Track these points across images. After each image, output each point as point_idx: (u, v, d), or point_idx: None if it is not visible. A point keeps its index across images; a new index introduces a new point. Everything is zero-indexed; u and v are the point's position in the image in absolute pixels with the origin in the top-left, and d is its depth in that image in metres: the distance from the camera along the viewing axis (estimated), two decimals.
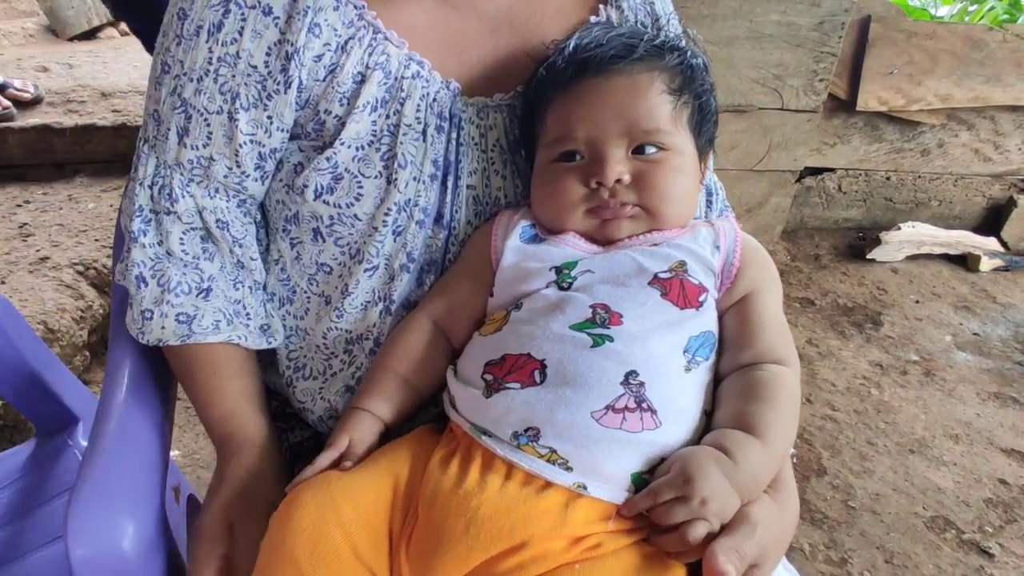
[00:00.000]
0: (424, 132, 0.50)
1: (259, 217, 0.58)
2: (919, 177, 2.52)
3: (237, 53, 0.49)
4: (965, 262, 2.43)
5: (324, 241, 0.52)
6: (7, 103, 2.19)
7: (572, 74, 0.49)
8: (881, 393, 1.73)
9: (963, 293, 2.27)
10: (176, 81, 0.51)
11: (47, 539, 0.71)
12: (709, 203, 0.66)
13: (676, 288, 0.45)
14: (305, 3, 0.47)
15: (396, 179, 0.49)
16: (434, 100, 0.51)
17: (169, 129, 0.52)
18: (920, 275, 2.36)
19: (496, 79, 0.55)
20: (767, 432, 0.41)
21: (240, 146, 0.51)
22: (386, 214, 0.50)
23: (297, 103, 0.50)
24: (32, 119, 2.18)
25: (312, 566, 0.37)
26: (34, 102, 2.29)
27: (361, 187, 0.50)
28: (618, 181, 0.47)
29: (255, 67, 0.49)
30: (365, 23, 0.49)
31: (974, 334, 2.03)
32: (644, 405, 0.40)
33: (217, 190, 0.53)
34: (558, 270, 0.47)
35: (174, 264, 0.53)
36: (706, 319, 0.46)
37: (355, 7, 0.49)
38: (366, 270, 0.51)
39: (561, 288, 0.46)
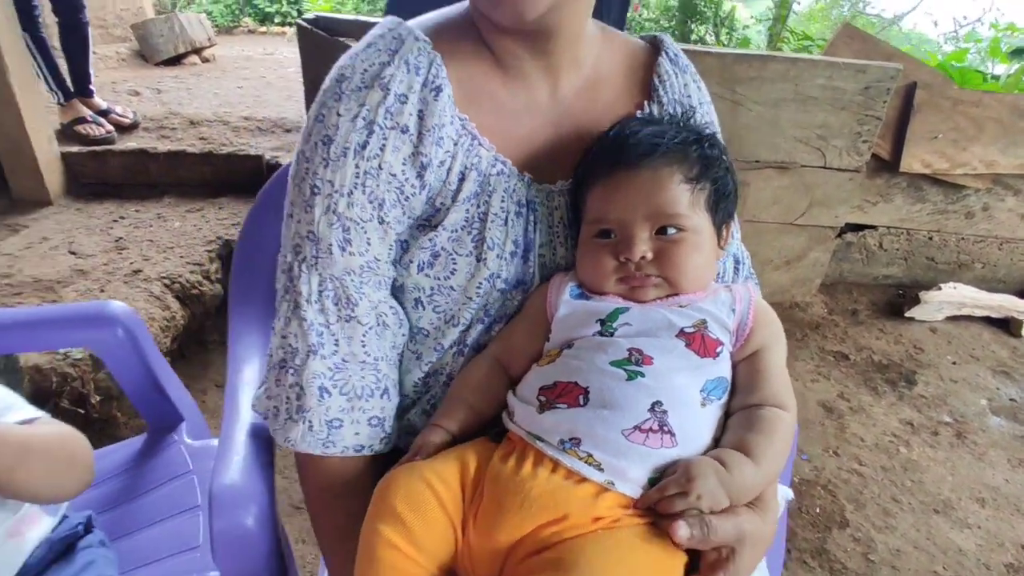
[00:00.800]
0: (506, 219, 0.62)
1: None
2: (963, 239, 2.55)
3: (379, 166, 0.57)
4: (1007, 326, 2.43)
5: (424, 308, 0.62)
6: (110, 127, 2.44)
7: (608, 165, 0.60)
8: (910, 451, 1.76)
9: (1003, 358, 2.26)
10: (329, 200, 0.57)
11: (156, 519, 0.84)
12: (736, 270, 0.76)
13: (698, 340, 0.56)
14: (432, 122, 0.58)
15: (485, 258, 0.60)
16: (513, 191, 0.63)
17: (331, 244, 0.58)
18: (959, 336, 2.36)
19: (559, 166, 0.66)
20: (760, 456, 0.51)
21: (387, 234, 0.60)
22: (477, 287, 0.60)
23: (426, 201, 0.61)
24: (131, 143, 2.43)
25: (408, 509, 0.48)
26: (132, 127, 2.55)
27: (455, 264, 0.61)
28: (643, 257, 0.58)
29: (394, 175, 0.58)
30: (467, 132, 0.61)
31: (1011, 400, 2.03)
32: (665, 428, 0.50)
33: (381, 283, 0.61)
34: (602, 321, 0.58)
35: (355, 369, 0.59)
36: (721, 367, 0.56)
37: (460, 120, 0.61)
38: (454, 327, 0.63)
39: (604, 335, 0.57)
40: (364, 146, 0.57)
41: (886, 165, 2.36)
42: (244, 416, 0.67)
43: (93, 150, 2.36)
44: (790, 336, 2.28)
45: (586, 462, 0.49)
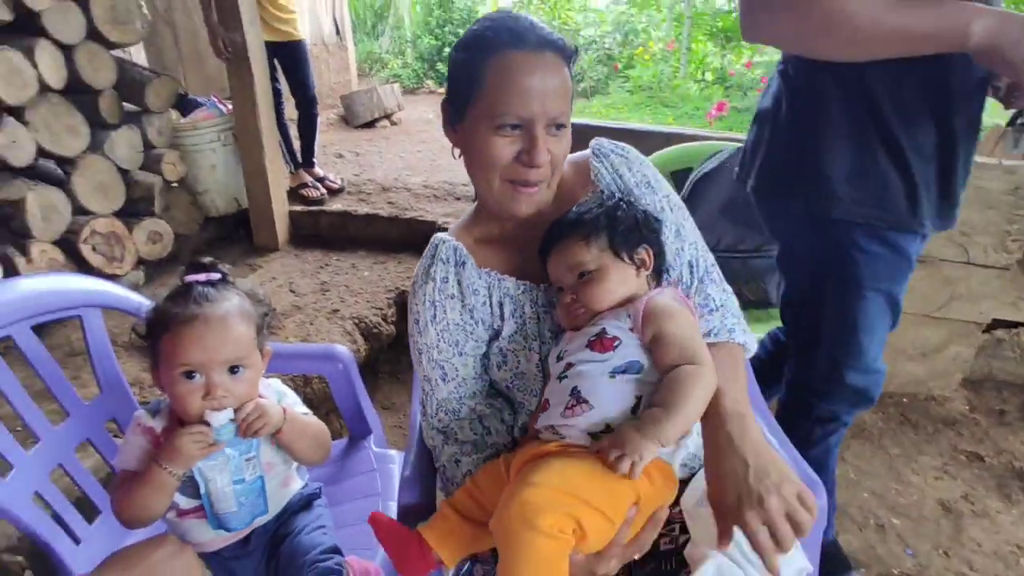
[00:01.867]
0: (538, 318, 0.92)
1: None
2: None
3: (447, 324, 0.91)
4: None
5: (512, 392, 0.95)
6: (324, 191, 3.10)
7: (547, 243, 0.88)
8: None
9: None
10: (428, 354, 0.92)
11: (351, 498, 1.21)
12: (692, 272, 0.95)
13: (597, 343, 0.81)
14: (466, 284, 0.91)
15: (537, 348, 0.91)
16: (537, 300, 0.93)
17: (437, 381, 0.92)
18: None
19: None
20: (669, 404, 0.73)
21: (475, 363, 0.95)
22: (537, 366, 0.91)
23: (484, 328, 0.93)
24: (337, 205, 3.06)
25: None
26: (339, 191, 3.20)
27: (519, 358, 0.92)
28: (573, 296, 0.85)
29: (457, 324, 0.92)
30: (492, 277, 0.93)
31: None
32: (581, 399, 0.77)
33: (475, 393, 0.96)
34: (558, 354, 0.86)
35: (466, 448, 0.93)
36: (626, 353, 0.79)
37: (484, 273, 0.92)
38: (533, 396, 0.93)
39: (558, 358, 0.85)
40: (434, 317, 0.91)
41: None
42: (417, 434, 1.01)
43: (310, 209, 3.01)
44: (919, 430, 2.25)
45: (555, 434, 0.79)
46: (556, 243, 0.88)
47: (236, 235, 2.99)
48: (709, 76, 6.40)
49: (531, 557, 0.67)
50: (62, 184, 2.07)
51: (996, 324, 2.41)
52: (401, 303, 2.47)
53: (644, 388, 0.78)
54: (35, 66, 1.91)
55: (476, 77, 0.82)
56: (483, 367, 0.96)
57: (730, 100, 5.72)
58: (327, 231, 2.96)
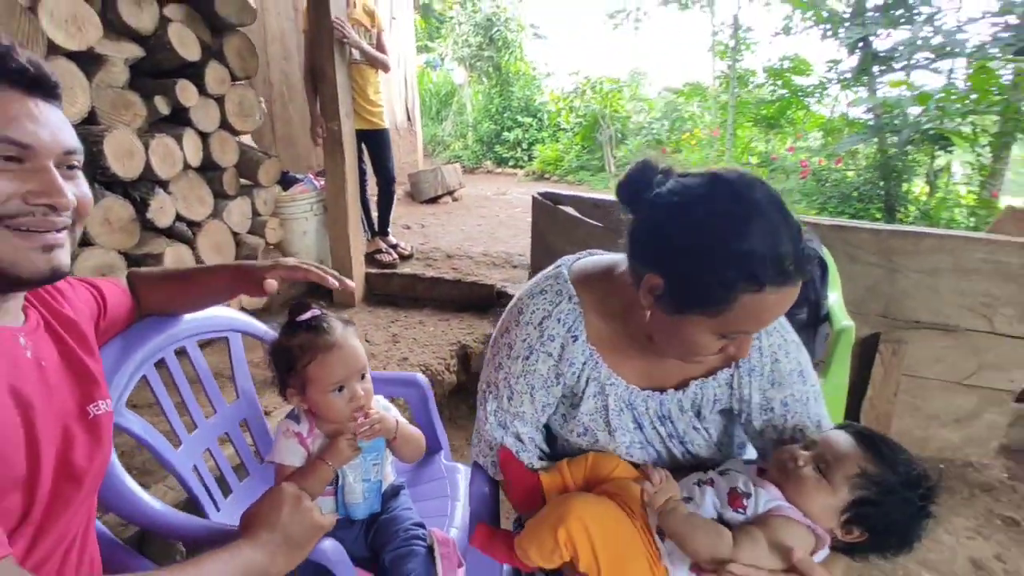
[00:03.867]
0: (620, 411, 1.00)
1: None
2: None
3: (533, 369, 0.99)
4: None
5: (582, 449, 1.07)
6: (395, 256, 3.49)
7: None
8: None
9: None
10: (504, 377, 1.02)
11: (426, 498, 1.45)
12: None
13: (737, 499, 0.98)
14: (567, 354, 0.99)
15: (615, 433, 1.02)
16: (621, 395, 0.99)
17: (503, 398, 1.02)
18: None
19: (653, 381, 1.02)
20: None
21: (537, 408, 1.05)
22: (615, 449, 1.02)
23: (562, 390, 1.01)
24: (407, 268, 3.44)
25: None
26: (409, 257, 3.59)
27: (596, 436, 1.03)
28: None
29: (542, 375, 0.99)
30: (592, 358, 0.98)
31: None
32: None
33: (535, 427, 1.06)
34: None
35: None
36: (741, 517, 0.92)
37: (590, 350, 0.98)
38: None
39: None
40: (526, 358, 1.00)
41: None
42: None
43: (383, 272, 3.39)
44: (955, 494, 2.32)
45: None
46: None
47: (319, 292, 3.38)
48: (753, 159, 6.71)
49: (545, 535, 0.89)
50: (190, 243, 2.49)
51: None
52: (463, 356, 2.75)
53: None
54: (182, 149, 2.38)
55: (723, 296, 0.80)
56: (544, 416, 1.05)
57: (774, 182, 5.98)
58: (398, 291, 3.32)
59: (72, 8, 1.96)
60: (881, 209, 4.80)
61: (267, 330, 1.48)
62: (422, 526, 1.20)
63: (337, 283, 1.12)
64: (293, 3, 4.47)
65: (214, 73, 2.49)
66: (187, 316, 1.28)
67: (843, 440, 0.90)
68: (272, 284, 1.08)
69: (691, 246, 0.80)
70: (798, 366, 1.01)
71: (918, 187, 5.01)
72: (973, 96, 4.05)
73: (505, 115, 8.98)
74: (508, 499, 1.10)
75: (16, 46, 0.71)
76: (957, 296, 2.32)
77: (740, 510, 0.89)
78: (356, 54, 3.01)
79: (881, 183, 4.92)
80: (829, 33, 5.47)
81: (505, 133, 8.87)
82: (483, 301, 3.04)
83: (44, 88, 0.74)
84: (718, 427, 1.06)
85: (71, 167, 0.77)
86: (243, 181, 2.80)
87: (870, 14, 4.84)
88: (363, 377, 1.16)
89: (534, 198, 2.84)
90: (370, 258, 3.48)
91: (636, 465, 1.02)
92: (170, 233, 2.43)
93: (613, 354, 1.01)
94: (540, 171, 8.11)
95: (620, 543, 0.88)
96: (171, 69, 2.39)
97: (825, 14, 5.37)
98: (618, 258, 1.02)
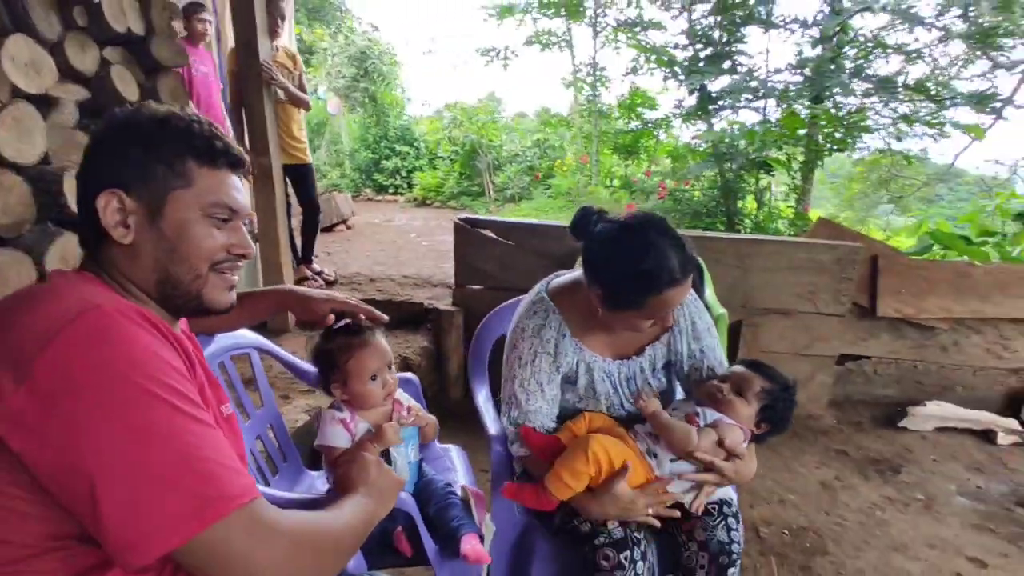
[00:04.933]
0: (604, 380, 1.47)
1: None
2: (942, 367, 3.27)
3: (539, 367, 1.36)
4: (988, 436, 3.06)
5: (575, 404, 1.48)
6: (322, 282, 3.67)
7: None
8: (883, 514, 2.43)
9: (979, 459, 2.89)
10: (520, 381, 1.37)
11: (436, 471, 1.76)
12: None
13: (693, 417, 1.50)
14: (561, 349, 1.41)
15: (599, 398, 1.46)
16: (603, 367, 1.46)
17: (521, 400, 1.37)
18: (944, 443, 3.02)
19: (621, 352, 1.52)
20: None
21: (548, 400, 1.44)
22: (597, 408, 1.45)
23: (562, 377, 1.45)
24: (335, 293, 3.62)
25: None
26: (334, 282, 3.77)
27: (588, 400, 1.46)
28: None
29: (546, 372, 1.36)
30: (580, 347, 1.44)
31: (977, 487, 2.66)
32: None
33: (548, 415, 1.44)
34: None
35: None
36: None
37: (576, 343, 1.43)
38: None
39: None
40: (532, 360, 1.38)
41: (868, 311, 3.20)
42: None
43: None
44: (803, 439, 3.01)
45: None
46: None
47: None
48: (616, 183, 7.60)
49: (578, 458, 1.28)
50: None
51: (846, 358, 3.29)
52: (406, 367, 3.02)
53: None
54: None
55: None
56: (555, 406, 1.43)
57: (636, 202, 6.87)
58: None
59: (30, 53, 2.04)
60: (723, 222, 5.75)
61: (272, 347, 1.72)
62: (451, 485, 1.52)
63: (376, 317, 1.40)
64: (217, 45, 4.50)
65: None
66: (224, 337, 1.50)
67: (747, 371, 1.39)
68: (331, 317, 1.35)
69: (611, 272, 1.26)
70: (707, 325, 1.51)
71: (750, 204, 6.07)
72: (785, 131, 5.09)
73: (382, 144, 9.23)
74: (529, 463, 1.46)
75: (229, 138, 0.97)
76: (790, 287, 3.04)
77: (695, 425, 1.34)
78: (281, 94, 3.21)
79: (722, 201, 5.90)
80: (669, 75, 6.47)
81: (384, 162, 9.11)
82: (415, 318, 3.33)
83: (242, 166, 1.00)
84: (663, 381, 1.52)
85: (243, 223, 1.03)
86: None
87: (702, 64, 5.85)
88: (390, 368, 1.46)
89: (456, 223, 3.21)
90: (297, 285, 3.61)
91: (619, 416, 1.45)
92: None
93: (591, 340, 1.43)
94: (421, 197, 8.45)
95: (624, 455, 1.29)
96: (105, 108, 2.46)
97: (665, 59, 6.36)
98: (578, 273, 1.43)
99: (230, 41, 3.78)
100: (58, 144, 2.19)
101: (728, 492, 1.42)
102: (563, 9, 7.28)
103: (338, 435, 1.41)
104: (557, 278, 1.51)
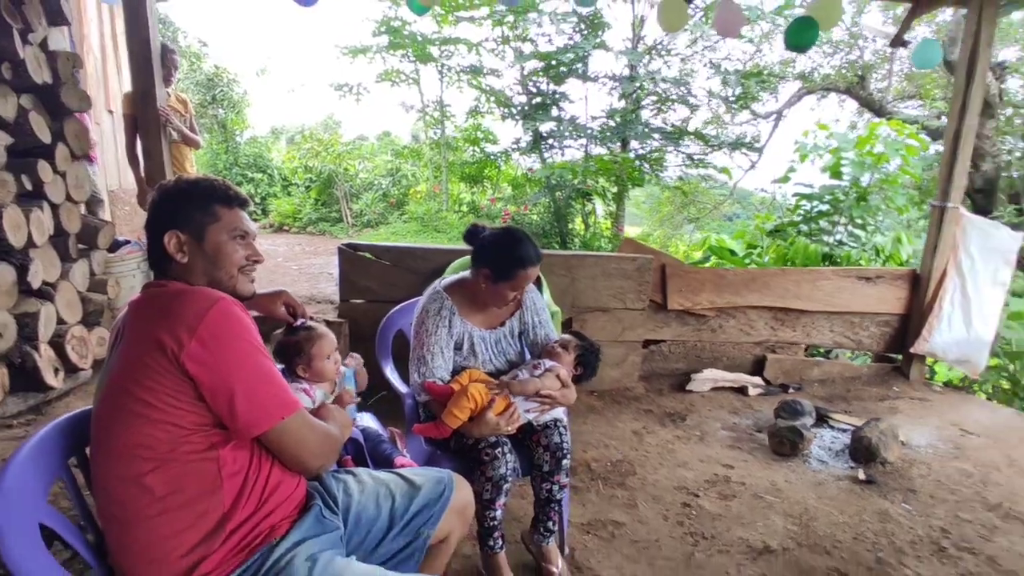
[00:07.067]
0: (483, 347, 2.22)
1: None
2: (714, 344, 4.47)
3: (440, 336, 2.01)
4: (743, 391, 4.28)
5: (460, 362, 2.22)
6: None
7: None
8: (673, 446, 3.43)
9: (736, 406, 4.07)
10: (427, 347, 2.02)
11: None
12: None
13: (536, 366, 2.30)
14: (454, 323, 2.13)
15: (479, 358, 2.18)
16: (482, 338, 2.21)
17: (428, 358, 2.00)
18: (715, 398, 4.17)
19: (492, 324, 2.33)
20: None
21: (446, 360, 2.13)
22: (477, 366, 2.18)
23: (455, 343, 2.17)
24: None
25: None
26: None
27: (469, 359, 2.17)
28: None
29: (443, 339, 2.00)
30: (465, 323, 2.18)
31: (732, 423, 3.80)
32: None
33: (447, 369, 2.13)
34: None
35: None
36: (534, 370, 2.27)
37: (462, 321, 2.17)
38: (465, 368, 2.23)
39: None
40: (435, 331, 2.03)
41: (661, 306, 4.30)
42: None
43: None
44: (622, 405, 3.99)
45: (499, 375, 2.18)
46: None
47: None
48: (464, 208, 8.46)
49: (462, 399, 1.99)
50: (52, 301, 2.82)
51: (648, 343, 4.36)
52: None
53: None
54: (53, 219, 2.75)
55: None
56: (450, 363, 2.05)
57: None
58: None
59: None
60: (558, 241, 6.84)
61: None
62: (382, 430, 2.15)
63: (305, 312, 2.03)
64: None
65: (62, 153, 2.89)
66: None
67: (569, 336, 2.22)
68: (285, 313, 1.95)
69: (496, 255, 1.98)
70: (543, 303, 2.33)
71: (579, 225, 7.25)
72: (598, 169, 6.29)
73: (233, 171, 9.23)
74: (431, 406, 2.14)
75: (238, 188, 1.55)
76: (606, 290, 4.03)
77: (538, 371, 2.12)
78: (175, 135, 3.56)
79: (555, 223, 6.99)
80: (507, 115, 7.50)
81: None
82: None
83: (248, 205, 1.59)
84: (517, 347, 2.30)
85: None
86: (80, 246, 3.14)
87: (533, 110, 6.93)
88: (337, 350, 2.08)
89: (340, 248, 3.77)
90: None
91: (492, 376, 2.19)
92: (36, 294, 2.74)
93: (472, 317, 2.15)
94: (279, 223, 8.64)
95: (490, 395, 2.04)
96: (23, 150, 2.75)
97: (503, 99, 7.38)
98: (458, 276, 2.21)
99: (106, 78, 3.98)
100: None
101: (558, 413, 2.23)
102: (411, 52, 8.04)
103: (303, 400, 1.99)
104: (444, 280, 2.23)
